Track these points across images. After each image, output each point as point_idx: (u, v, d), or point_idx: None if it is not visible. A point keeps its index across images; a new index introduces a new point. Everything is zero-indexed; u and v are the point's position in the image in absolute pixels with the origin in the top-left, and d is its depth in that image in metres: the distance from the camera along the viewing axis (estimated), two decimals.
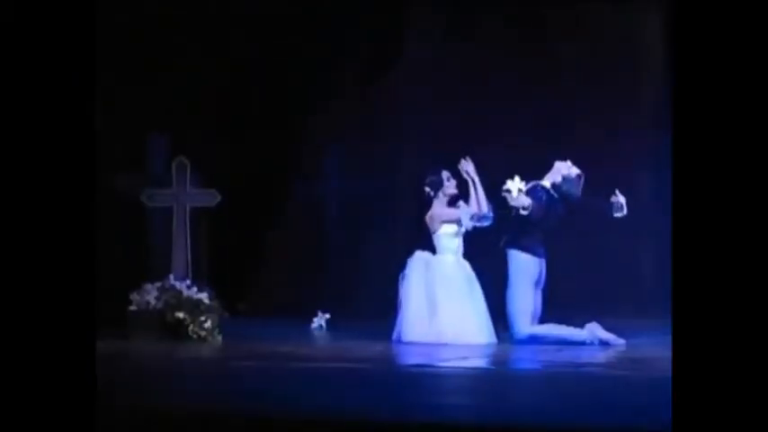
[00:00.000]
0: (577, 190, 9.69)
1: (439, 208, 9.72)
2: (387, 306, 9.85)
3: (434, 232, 9.75)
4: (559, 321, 9.52)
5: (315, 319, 11.25)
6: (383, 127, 12.88)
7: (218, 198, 10.51)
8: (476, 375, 8.01)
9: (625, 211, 9.60)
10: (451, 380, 7.63)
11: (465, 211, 9.64)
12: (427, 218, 9.77)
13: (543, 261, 9.59)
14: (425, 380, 7.50)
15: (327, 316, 11.25)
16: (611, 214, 9.61)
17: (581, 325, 9.46)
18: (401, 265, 9.84)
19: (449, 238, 9.72)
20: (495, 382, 7.71)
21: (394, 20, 12.90)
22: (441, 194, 9.72)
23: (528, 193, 9.45)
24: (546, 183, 9.68)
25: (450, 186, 9.71)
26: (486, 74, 12.56)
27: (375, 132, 12.90)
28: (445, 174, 9.73)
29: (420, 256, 9.74)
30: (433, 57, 12.82)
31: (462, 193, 9.75)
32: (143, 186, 10.82)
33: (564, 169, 9.69)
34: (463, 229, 9.69)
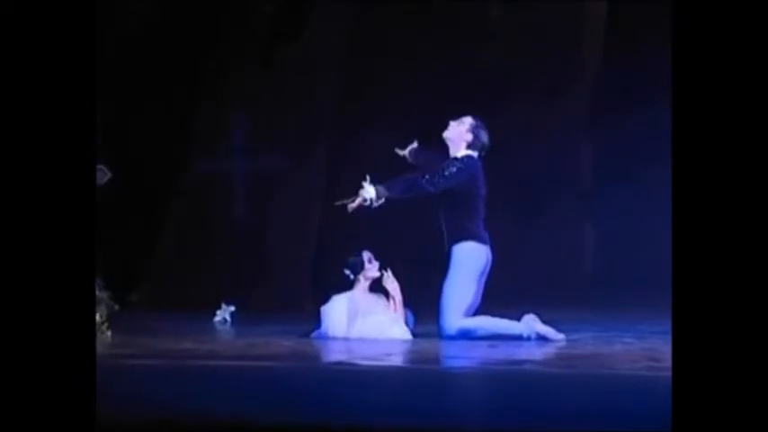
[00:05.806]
0: (486, 138, 9.06)
1: (360, 297, 9.30)
2: (298, 296, 9.41)
3: None
4: (493, 313, 8.94)
5: (218, 312, 10.86)
6: (289, 108, 12.62)
7: (108, 175, 9.69)
8: (400, 374, 7.57)
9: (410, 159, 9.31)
10: (374, 379, 7.15)
11: None
12: None
13: (488, 248, 8.95)
14: (345, 378, 7.06)
15: (232, 308, 10.85)
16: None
17: (517, 318, 8.89)
18: (310, 252, 9.35)
19: None
20: (421, 380, 7.20)
21: None
22: (362, 278, 9.25)
23: (459, 170, 8.81)
24: (468, 151, 8.94)
25: (372, 269, 9.25)
26: (397, 44, 12.62)
27: (283, 114, 12.65)
28: (366, 255, 9.26)
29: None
30: (342, 26, 12.64)
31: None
32: None
33: (466, 125, 8.97)
34: None
